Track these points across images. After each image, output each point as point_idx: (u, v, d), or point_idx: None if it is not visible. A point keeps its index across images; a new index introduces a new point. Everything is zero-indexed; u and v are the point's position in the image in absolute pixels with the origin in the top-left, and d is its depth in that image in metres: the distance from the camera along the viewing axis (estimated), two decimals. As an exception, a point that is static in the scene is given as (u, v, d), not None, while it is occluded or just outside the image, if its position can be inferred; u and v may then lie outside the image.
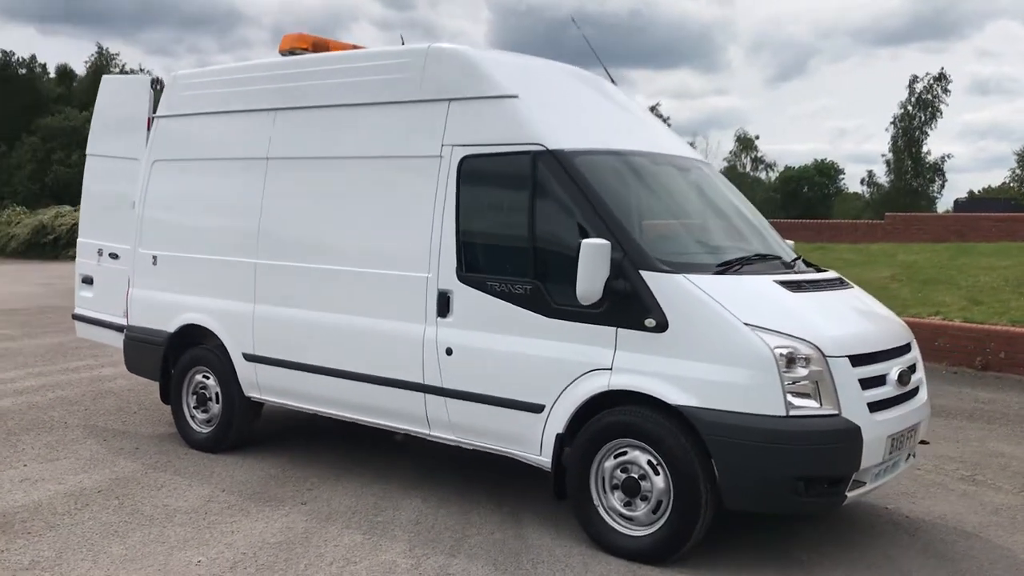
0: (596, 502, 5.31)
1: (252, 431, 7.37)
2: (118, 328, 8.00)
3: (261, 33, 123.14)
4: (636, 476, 5.15)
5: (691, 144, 7.68)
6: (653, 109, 58.40)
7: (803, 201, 70.05)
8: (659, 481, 5.08)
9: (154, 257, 7.65)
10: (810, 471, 4.88)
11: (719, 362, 4.90)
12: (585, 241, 5.09)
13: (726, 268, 5.35)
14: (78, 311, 8.65)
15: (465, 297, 5.71)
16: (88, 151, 8.64)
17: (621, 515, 5.24)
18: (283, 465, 6.93)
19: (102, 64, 65.48)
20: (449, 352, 5.76)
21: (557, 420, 5.36)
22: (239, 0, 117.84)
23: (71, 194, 52.08)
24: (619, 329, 5.15)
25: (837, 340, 5.03)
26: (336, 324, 6.39)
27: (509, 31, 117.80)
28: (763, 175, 75.85)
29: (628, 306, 5.12)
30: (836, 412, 4.90)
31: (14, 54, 62.88)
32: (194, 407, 7.41)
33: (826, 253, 18.51)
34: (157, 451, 7.27)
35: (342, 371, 6.35)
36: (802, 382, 4.85)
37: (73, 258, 8.95)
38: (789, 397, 4.80)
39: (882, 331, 5.53)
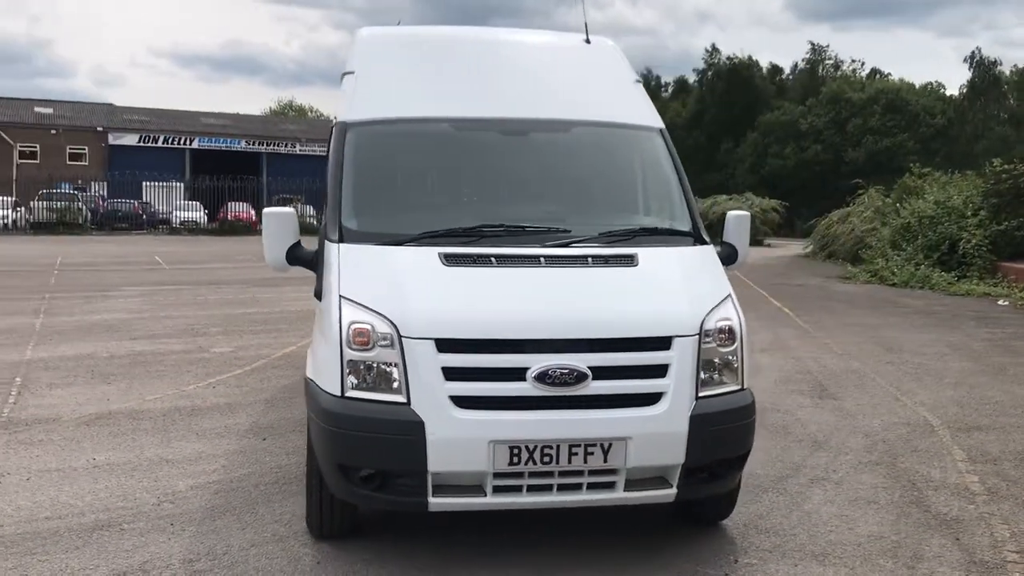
0: None
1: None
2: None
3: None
4: None
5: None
6: None
7: None
8: None
9: None
10: (350, 460, 4.32)
11: (322, 334, 4.66)
12: (265, 210, 5.22)
13: (420, 239, 4.80)
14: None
15: None
16: None
17: None
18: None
19: (815, 59, 67.54)
20: None
21: None
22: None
23: (784, 186, 55.31)
24: (319, 300, 5.14)
25: (427, 320, 4.27)
26: None
27: None
28: None
29: (318, 276, 5.08)
30: (403, 400, 4.24)
31: (736, 57, 68.34)
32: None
33: None
34: (274, 390, 8.66)
35: None
36: (372, 362, 4.32)
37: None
38: (351, 377, 4.34)
39: (564, 318, 4.35)
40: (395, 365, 4.26)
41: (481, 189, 5.42)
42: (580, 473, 4.32)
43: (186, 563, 4.61)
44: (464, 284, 4.51)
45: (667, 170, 5.53)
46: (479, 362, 4.24)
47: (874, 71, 69.96)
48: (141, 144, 56.96)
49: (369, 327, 4.32)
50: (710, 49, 69.09)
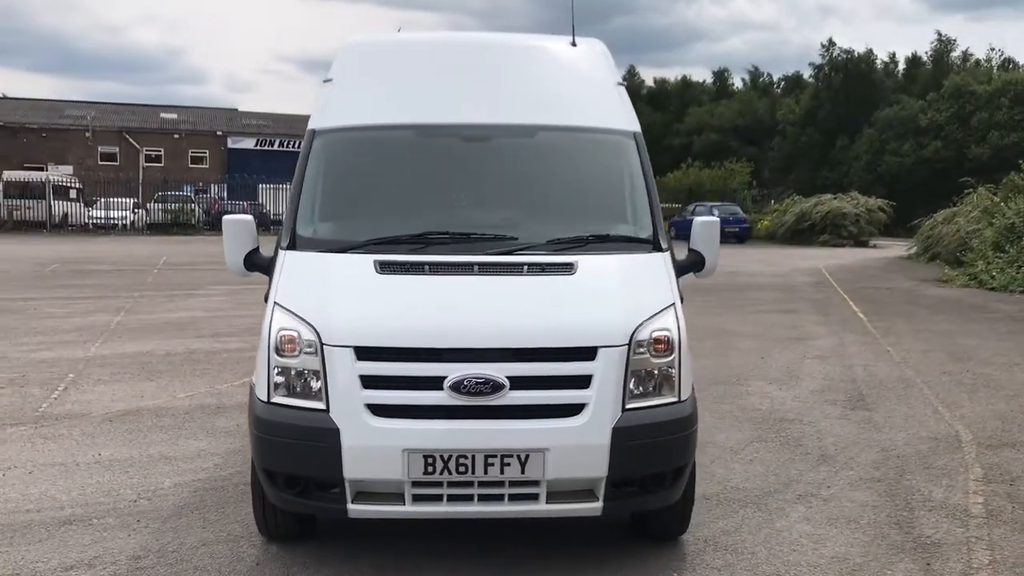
0: None
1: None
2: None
3: None
4: None
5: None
6: None
7: None
8: None
9: None
10: (273, 465, 4.42)
11: (263, 341, 4.74)
12: (224, 216, 5.36)
13: (363, 246, 4.86)
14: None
15: None
16: None
17: None
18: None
19: (943, 50, 64.50)
20: None
21: None
22: None
23: (902, 184, 53.03)
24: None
25: (348, 328, 4.32)
26: None
27: None
28: None
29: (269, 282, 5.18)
30: (323, 408, 4.30)
31: (853, 51, 65.69)
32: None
33: None
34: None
35: None
36: (298, 369, 4.40)
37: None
38: (278, 382, 4.43)
39: (484, 328, 4.32)
40: (317, 372, 4.32)
41: (437, 196, 5.40)
42: (501, 484, 4.29)
43: (132, 559, 4.78)
44: (392, 292, 4.53)
45: (634, 175, 5.40)
46: (396, 371, 4.27)
47: (1008, 61, 66.32)
48: (258, 148, 58.96)
49: (296, 334, 4.40)
50: (826, 43, 66.59)
